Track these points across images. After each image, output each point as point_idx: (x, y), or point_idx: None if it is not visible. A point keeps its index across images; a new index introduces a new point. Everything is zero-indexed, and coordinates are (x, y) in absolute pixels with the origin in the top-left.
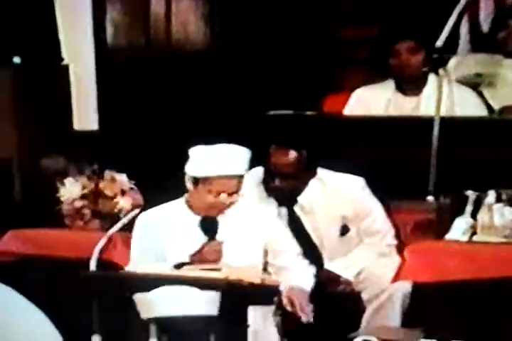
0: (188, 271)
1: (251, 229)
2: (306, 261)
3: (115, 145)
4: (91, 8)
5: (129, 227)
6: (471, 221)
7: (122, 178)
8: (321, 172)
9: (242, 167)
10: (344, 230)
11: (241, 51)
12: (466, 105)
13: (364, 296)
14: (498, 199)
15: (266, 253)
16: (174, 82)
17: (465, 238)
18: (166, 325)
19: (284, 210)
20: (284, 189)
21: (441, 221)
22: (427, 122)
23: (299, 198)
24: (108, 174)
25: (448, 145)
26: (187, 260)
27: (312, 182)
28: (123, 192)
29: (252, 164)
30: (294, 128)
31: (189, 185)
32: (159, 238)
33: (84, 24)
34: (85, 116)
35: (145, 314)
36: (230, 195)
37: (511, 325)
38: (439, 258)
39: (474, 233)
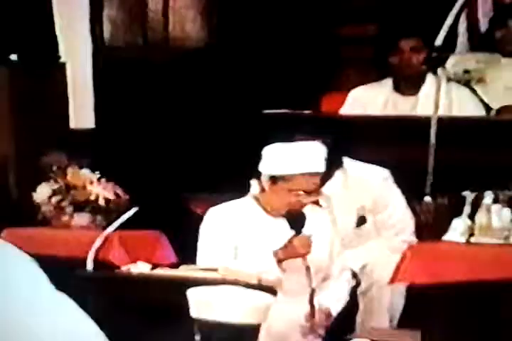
0: (184, 271)
1: (318, 232)
2: (348, 274)
3: (112, 143)
4: (88, 6)
5: (125, 225)
6: (468, 222)
7: (86, 172)
8: (347, 162)
9: (322, 164)
10: (360, 221)
11: (238, 49)
12: (464, 105)
13: (359, 290)
14: (496, 201)
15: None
16: (171, 80)
17: (463, 239)
18: (208, 327)
19: None
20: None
21: (438, 222)
22: (424, 122)
23: (322, 189)
24: (70, 170)
25: (446, 146)
26: (265, 257)
27: (337, 174)
28: (91, 182)
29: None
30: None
31: (265, 184)
32: (230, 236)
33: (81, 22)
34: (82, 114)
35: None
36: (309, 193)
37: (509, 327)
38: (436, 259)
39: (472, 234)
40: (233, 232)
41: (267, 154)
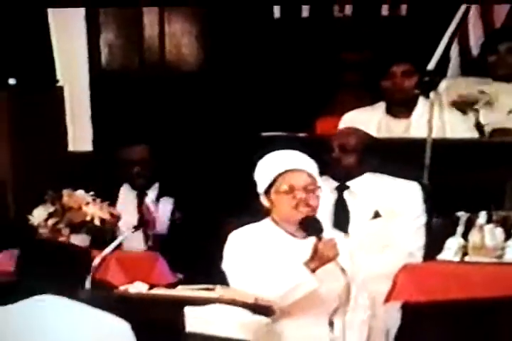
0: (181, 291)
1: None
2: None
3: (109, 165)
4: (86, 30)
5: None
6: (462, 241)
7: (81, 193)
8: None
9: (308, 164)
10: (375, 215)
11: (234, 73)
12: (457, 127)
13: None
14: (489, 220)
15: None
16: (168, 103)
17: (457, 258)
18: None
19: (333, 194)
20: (342, 163)
21: (433, 241)
22: (419, 144)
23: (351, 184)
24: (65, 191)
25: (440, 167)
26: (299, 271)
27: (367, 174)
28: (87, 203)
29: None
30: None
31: (265, 202)
32: (256, 254)
33: (79, 46)
34: (80, 136)
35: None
36: (306, 191)
37: None
38: (431, 278)
39: (466, 253)
40: (259, 251)
41: (256, 175)
